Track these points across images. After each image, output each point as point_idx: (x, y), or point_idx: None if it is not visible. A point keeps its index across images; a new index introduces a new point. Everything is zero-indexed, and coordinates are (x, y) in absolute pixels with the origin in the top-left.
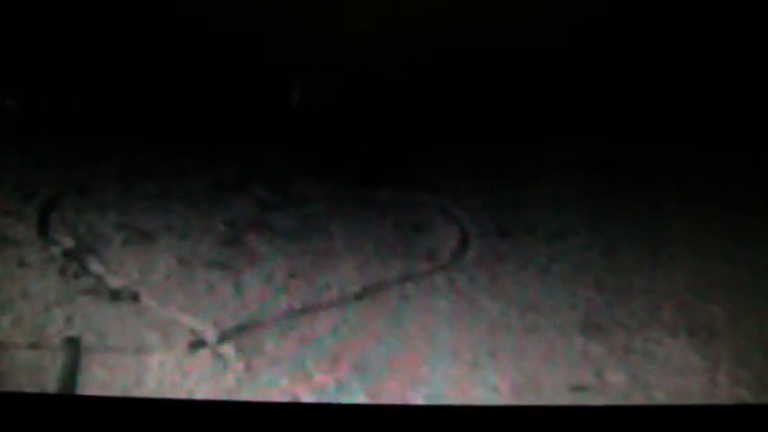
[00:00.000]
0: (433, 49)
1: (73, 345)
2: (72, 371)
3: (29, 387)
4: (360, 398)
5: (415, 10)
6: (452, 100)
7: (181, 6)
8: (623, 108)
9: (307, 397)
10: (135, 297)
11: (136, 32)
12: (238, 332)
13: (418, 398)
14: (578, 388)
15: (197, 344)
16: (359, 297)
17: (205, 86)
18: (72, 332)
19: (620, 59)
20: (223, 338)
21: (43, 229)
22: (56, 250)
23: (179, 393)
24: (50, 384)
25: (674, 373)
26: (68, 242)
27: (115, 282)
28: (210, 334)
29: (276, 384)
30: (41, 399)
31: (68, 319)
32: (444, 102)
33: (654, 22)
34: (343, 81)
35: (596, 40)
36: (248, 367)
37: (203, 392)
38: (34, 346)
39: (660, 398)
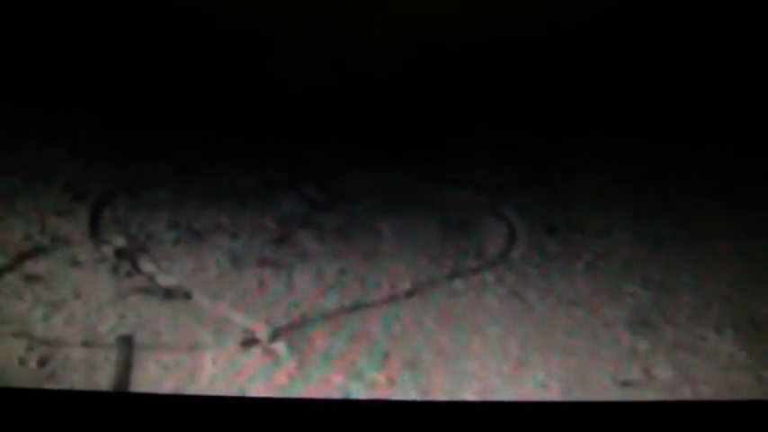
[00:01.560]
0: (453, 46)
1: (126, 343)
2: (125, 369)
3: (82, 385)
4: (411, 394)
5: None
6: (483, 96)
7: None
8: (656, 103)
9: (358, 393)
10: (187, 295)
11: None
12: (290, 329)
13: (469, 394)
14: (626, 384)
15: (249, 341)
16: (409, 294)
17: (241, 85)
18: (125, 330)
19: (643, 55)
20: (275, 336)
21: (95, 229)
22: (108, 250)
23: (232, 390)
24: (104, 382)
25: (720, 369)
26: (120, 241)
27: (167, 280)
28: (263, 331)
29: (328, 381)
30: (95, 396)
31: (121, 318)
32: (474, 97)
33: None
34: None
35: (614, 36)
36: (300, 364)
37: (256, 389)
38: (87, 344)
39: (706, 393)
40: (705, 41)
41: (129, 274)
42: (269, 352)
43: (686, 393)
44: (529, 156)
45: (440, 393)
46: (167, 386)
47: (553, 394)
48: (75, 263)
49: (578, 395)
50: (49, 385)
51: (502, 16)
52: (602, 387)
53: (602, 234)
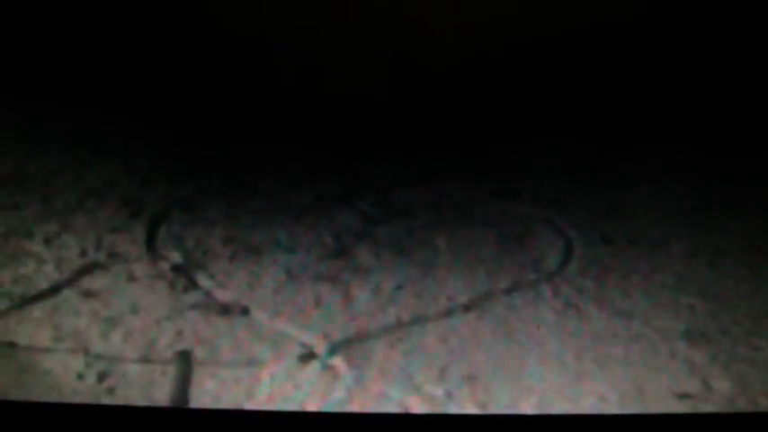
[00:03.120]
0: (496, 52)
1: (184, 358)
2: (183, 384)
3: (141, 401)
4: (469, 408)
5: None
6: (533, 103)
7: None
8: (697, 110)
9: (417, 408)
10: (245, 311)
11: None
12: (348, 344)
13: (527, 407)
14: (684, 396)
15: (307, 356)
16: (466, 308)
17: (293, 97)
18: (183, 346)
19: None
20: (333, 351)
21: (151, 245)
22: (164, 265)
23: (290, 406)
24: (162, 398)
25: None
26: (177, 257)
27: (224, 296)
28: (320, 346)
29: (386, 396)
30: (154, 412)
31: (179, 334)
32: (524, 105)
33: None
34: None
35: (660, 37)
36: (358, 379)
37: (314, 404)
38: (145, 360)
39: (765, 405)
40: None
41: (186, 290)
42: (327, 367)
43: (744, 405)
44: (584, 165)
45: (498, 407)
46: (225, 401)
47: (611, 407)
48: (132, 279)
49: (636, 408)
50: (107, 401)
51: (543, 19)
52: (659, 399)
53: (657, 246)
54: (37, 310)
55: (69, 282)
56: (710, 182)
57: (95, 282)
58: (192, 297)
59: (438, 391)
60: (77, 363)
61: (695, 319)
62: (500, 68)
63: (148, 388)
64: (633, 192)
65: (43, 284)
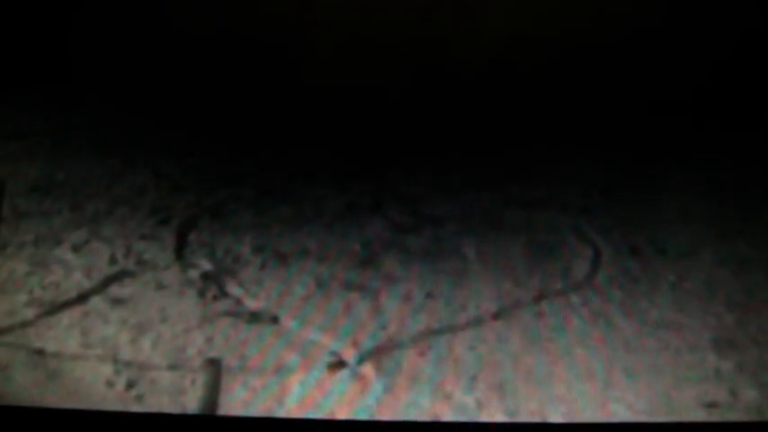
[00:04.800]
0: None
1: (214, 366)
2: (213, 392)
3: (170, 408)
4: (499, 416)
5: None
6: (562, 112)
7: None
8: (726, 123)
9: (447, 416)
10: (274, 319)
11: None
12: (377, 352)
13: (556, 415)
14: (712, 405)
15: (337, 364)
16: (495, 316)
17: (321, 105)
18: (212, 354)
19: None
20: (362, 359)
21: (181, 253)
22: (194, 273)
23: (320, 413)
24: (191, 405)
25: None
26: (206, 265)
27: (254, 304)
28: (350, 354)
29: (416, 404)
30: (183, 419)
31: (208, 341)
32: (554, 113)
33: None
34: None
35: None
36: (388, 387)
37: (344, 412)
38: (174, 367)
39: None
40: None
41: (215, 298)
42: (356, 375)
43: None
44: (612, 175)
45: (527, 415)
46: (255, 409)
47: (639, 416)
48: (162, 286)
49: (664, 416)
50: (136, 408)
51: (570, 32)
52: (687, 408)
53: (685, 255)
54: (66, 318)
55: (98, 289)
56: (737, 191)
57: (124, 289)
58: (222, 305)
59: (468, 399)
60: (106, 370)
61: (723, 328)
62: (528, 79)
63: (178, 395)
64: (660, 201)
65: (72, 292)
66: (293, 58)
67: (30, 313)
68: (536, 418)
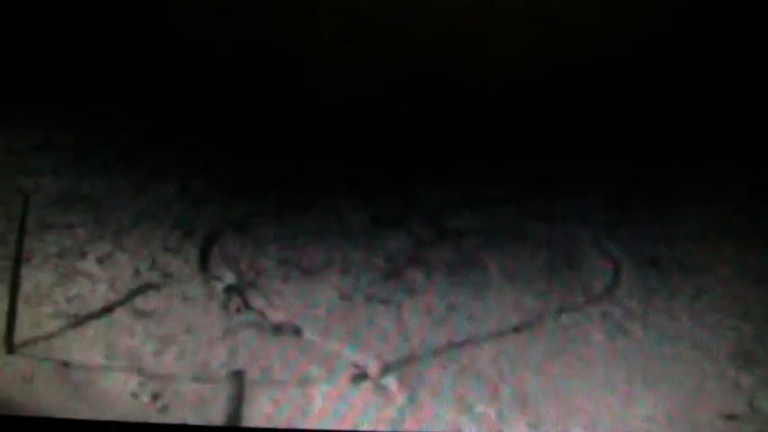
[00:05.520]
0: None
1: (237, 378)
2: (237, 404)
3: (194, 419)
4: (520, 428)
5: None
6: (581, 123)
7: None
8: (747, 135)
9: (469, 428)
10: (297, 331)
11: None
12: (400, 364)
13: (577, 427)
14: (731, 416)
15: (360, 376)
16: (517, 329)
17: (344, 122)
18: (236, 366)
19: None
20: (385, 371)
21: (205, 265)
22: (218, 286)
23: (343, 425)
24: (216, 417)
25: None
26: (230, 277)
27: (277, 316)
28: (373, 367)
29: (439, 415)
30: (207, 431)
31: (232, 353)
32: (574, 125)
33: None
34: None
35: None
36: (411, 399)
37: (367, 424)
38: (199, 379)
39: None
40: None
41: (239, 310)
42: (379, 387)
43: None
44: (631, 189)
45: (548, 427)
46: (279, 421)
47: (659, 427)
48: (186, 299)
49: (683, 428)
50: (161, 419)
51: (585, 46)
52: (707, 420)
53: (703, 268)
54: (91, 330)
55: (123, 301)
56: (755, 204)
57: (149, 301)
58: (246, 317)
59: (490, 411)
60: (131, 381)
61: (741, 341)
62: (549, 94)
63: (202, 407)
64: (679, 215)
65: (97, 304)
66: (315, 73)
67: (55, 325)
68: (557, 430)
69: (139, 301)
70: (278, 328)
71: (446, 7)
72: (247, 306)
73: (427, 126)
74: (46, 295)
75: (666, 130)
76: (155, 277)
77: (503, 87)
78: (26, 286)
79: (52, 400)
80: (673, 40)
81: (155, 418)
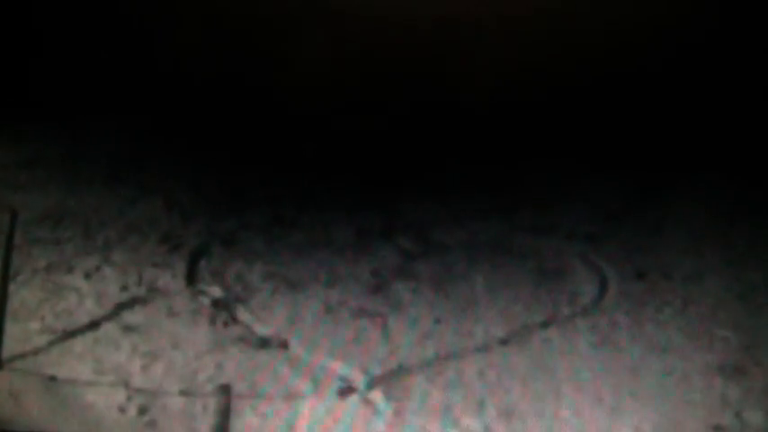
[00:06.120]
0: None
1: (225, 392)
2: (224, 418)
3: None
4: None
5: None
6: (566, 138)
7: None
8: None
9: None
10: (284, 345)
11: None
12: (387, 378)
13: None
14: (718, 429)
15: (346, 390)
16: (503, 342)
17: (332, 135)
18: (223, 380)
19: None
20: (372, 384)
21: (192, 280)
22: (204, 300)
23: None
24: (203, 431)
25: None
26: (217, 292)
27: (264, 330)
28: (360, 380)
29: (425, 429)
30: None
31: (219, 367)
32: (560, 140)
33: None
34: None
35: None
36: (397, 412)
37: None
38: (186, 393)
39: None
40: None
41: (226, 324)
42: (366, 401)
43: None
44: (617, 202)
45: None
46: None
47: None
48: (173, 313)
49: None
50: None
51: (583, 66)
52: None
53: (690, 280)
54: (78, 344)
55: (110, 316)
56: (742, 216)
57: (136, 316)
58: (233, 331)
59: (476, 425)
60: (119, 396)
61: (729, 353)
62: (533, 108)
63: (189, 421)
64: (666, 227)
65: (84, 319)
66: (301, 88)
67: (42, 340)
68: None
69: (127, 316)
70: (265, 342)
71: (429, 20)
72: (234, 320)
73: (413, 140)
74: (33, 310)
75: (653, 141)
76: (142, 292)
77: (488, 100)
78: (13, 301)
79: (39, 415)
80: (669, 53)
81: None
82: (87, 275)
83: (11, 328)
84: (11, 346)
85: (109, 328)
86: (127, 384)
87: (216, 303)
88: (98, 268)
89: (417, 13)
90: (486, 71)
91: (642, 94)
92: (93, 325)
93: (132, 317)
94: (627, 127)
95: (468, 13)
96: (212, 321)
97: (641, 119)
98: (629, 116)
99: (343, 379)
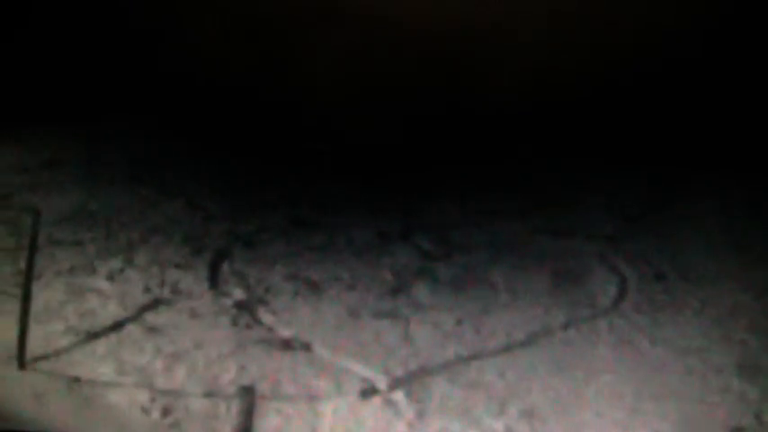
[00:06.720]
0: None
1: (247, 393)
2: (247, 419)
3: None
4: None
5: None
6: (585, 140)
7: None
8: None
9: None
10: (306, 346)
11: None
12: (408, 379)
13: None
14: (737, 430)
15: (369, 391)
16: (524, 343)
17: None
18: (246, 381)
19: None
20: (394, 385)
21: (214, 282)
22: (227, 302)
23: None
24: None
25: None
26: (239, 294)
27: (286, 331)
28: (381, 381)
29: (447, 430)
30: None
31: (242, 369)
32: (579, 142)
33: None
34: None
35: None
36: (419, 413)
37: None
38: (209, 394)
39: None
40: None
41: (248, 326)
42: (388, 401)
43: None
44: (635, 204)
45: None
46: None
47: None
48: (196, 315)
49: None
50: None
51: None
52: None
53: (709, 281)
54: (101, 346)
55: (133, 317)
56: (760, 219)
57: (159, 317)
58: (255, 333)
59: (498, 426)
60: (142, 397)
61: (747, 354)
62: (551, 110)
63: (212, 422)
64: (684, 229)
65: (107, 320)
66: (321, 92)
67: (65, 341)
68: None
69: (149, 317)
70: (287, 344)
71: (448, 24)
72: (257, 322)
73: (431, 142)
74: (56, 312)
75: (669, 141)
76: (165, 293)
77: (507, 102)
78: (37, 303)
79: (63, 416)
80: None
81: None
82: (110, 277)
83: (34, 330)
84: (34, 348)
85: (132, 330)
86: (150, 385)
87: (238, 305)
88: (121, 270)
89: (434, 17)
90: (502, 73)
91: (660, 93)
92: (117, 326)
93: (155, 318)
94: (644, 127)
95: (485, 16)
96: (235, 323)
97: (658, 118)
98: (646, 116)
99: (364, 380)
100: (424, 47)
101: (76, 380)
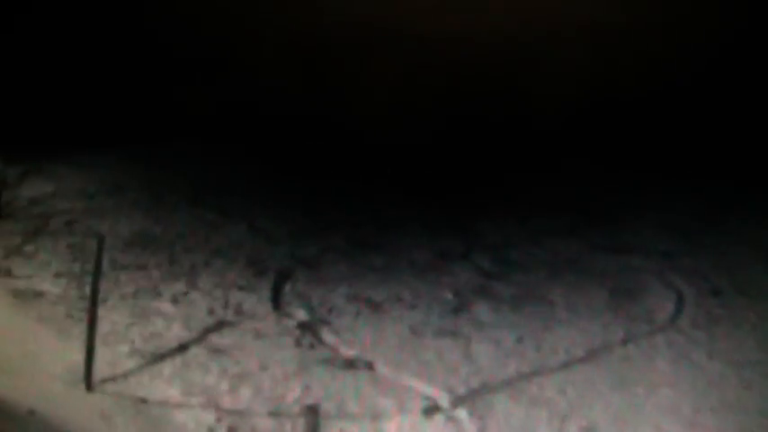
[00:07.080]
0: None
1: (312, 413)
2: None
3: None
4: None
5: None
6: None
7: None
8: None
9: None
10: (369, 365)
11: None
12: (471, 397)
13: None
14: None
15: (431, 409)
16: (583, 360)
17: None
18: (310, 400)
19: None
20: (456, 403)
21: (277, 303)
22: (290, 323)
23: None
24: None
25: None
26: (302, 314)
27: (349, 351)
28: (444, 399)
29: None
30: None
31: (306, 388)
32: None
33: None
34: None
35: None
36: (481, 430)
37: None
38: (274, 414)
39: None
40: None
41: (312, 346)
42: (451, 419)
43: None
44: (692, 220)
45: None
46: None
47: None
48: (259, 336)
49: None
50: None
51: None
52: None
53: (765, 296)
54: (167, 367)
55: (198, 339)
56: None
57: (223, 339)
58: (318, 353)
59: None
60: (208, 417)
61: None
62: (606, 128)
63: None
64: (739, 244)
65: (172, 342)
66: (382, 117)
67: (132, 363)
68: None
69: (214, 339)
70: (350, 363)
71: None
72: (320, 342)
73: (488, 160)
74: (122, 334)
75: (725, 156)
76: (228, 315)
77: (563, 122)
78: (103, 326)
79: None
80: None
81: None
82: (174, 300)
83: (101, 352)
84: (101, 370)
85: (197, 351)
86: (216, 406)
87: (301, 326)
88: (185, 293)
89: (491, 34)
90: (554, 88)
91: (715, 107)
92: (182, 348)
93: (220, 340)
94: (699, 141)
95: (528, 27)
96: (298, 343)
97: (714, 133)
98: (701, 130)
99: (427, 398)
100: (478, 67)
101: (143, 401)
